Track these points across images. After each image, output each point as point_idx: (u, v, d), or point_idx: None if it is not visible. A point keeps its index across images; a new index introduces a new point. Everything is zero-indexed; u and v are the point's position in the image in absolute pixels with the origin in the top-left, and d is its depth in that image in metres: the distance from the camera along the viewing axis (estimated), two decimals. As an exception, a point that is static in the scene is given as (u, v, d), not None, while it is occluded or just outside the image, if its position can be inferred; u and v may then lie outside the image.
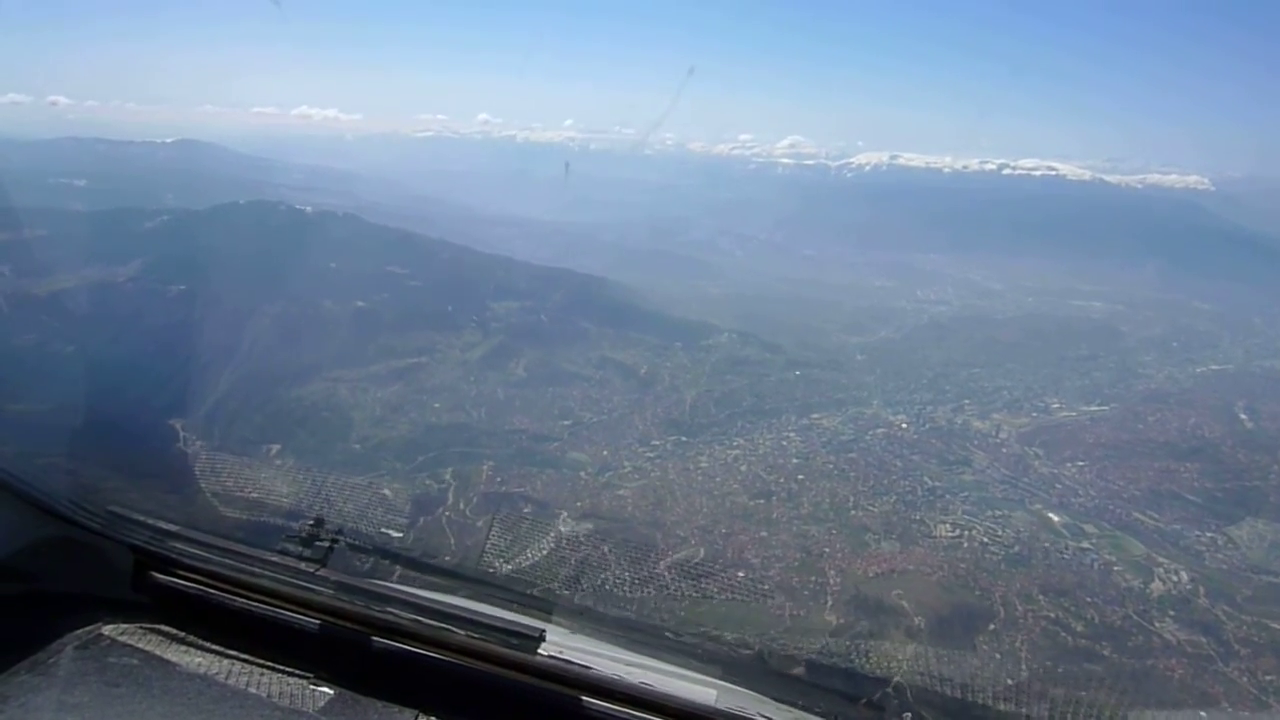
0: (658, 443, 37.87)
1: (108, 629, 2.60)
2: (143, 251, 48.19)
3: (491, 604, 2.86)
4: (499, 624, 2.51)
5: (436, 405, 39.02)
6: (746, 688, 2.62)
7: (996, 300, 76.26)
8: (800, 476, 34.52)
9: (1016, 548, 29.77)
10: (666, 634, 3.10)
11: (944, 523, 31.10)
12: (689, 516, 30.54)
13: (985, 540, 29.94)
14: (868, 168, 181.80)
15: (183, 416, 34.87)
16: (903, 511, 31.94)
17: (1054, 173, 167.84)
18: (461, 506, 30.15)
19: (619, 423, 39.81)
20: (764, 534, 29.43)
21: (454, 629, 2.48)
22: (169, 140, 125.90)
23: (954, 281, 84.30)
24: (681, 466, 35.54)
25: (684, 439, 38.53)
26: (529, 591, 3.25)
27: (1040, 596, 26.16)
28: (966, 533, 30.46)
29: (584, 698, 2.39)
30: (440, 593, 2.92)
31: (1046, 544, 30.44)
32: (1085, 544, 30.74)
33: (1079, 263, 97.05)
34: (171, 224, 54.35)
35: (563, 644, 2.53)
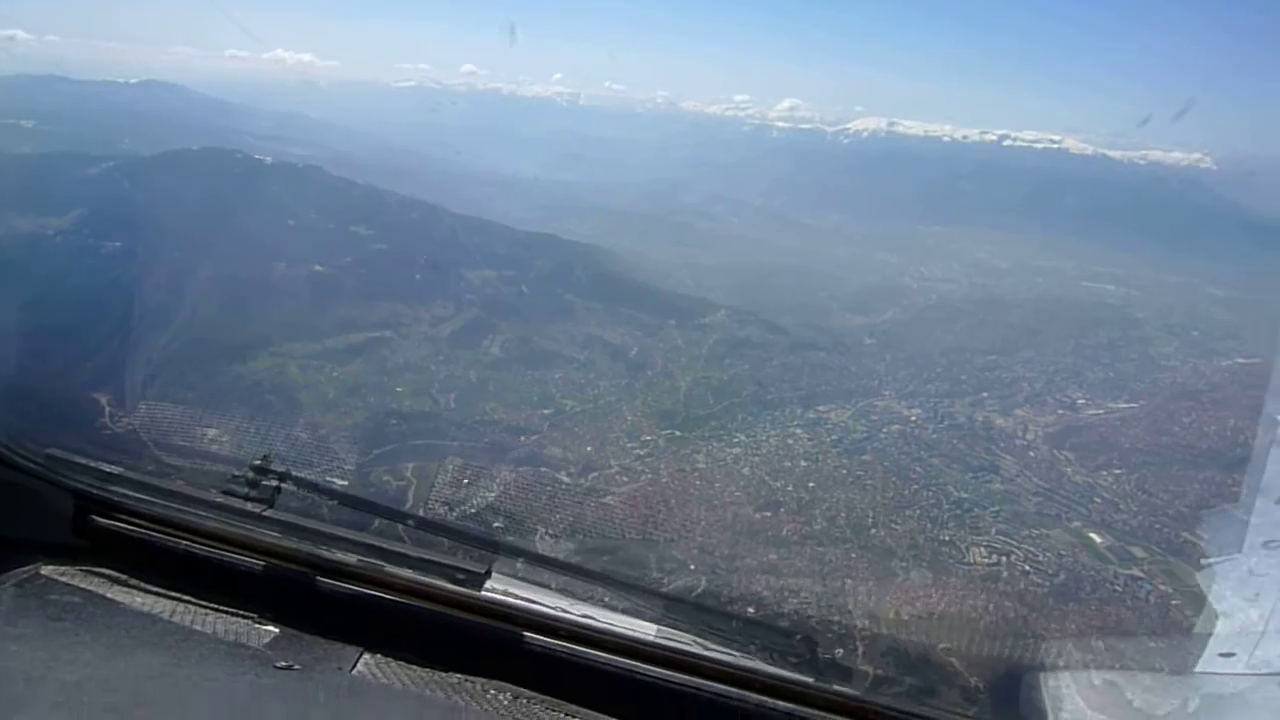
0: (649, 438, 33.62)
1: (47, 570, 2.56)
2: (81, 201, 43.22)
3: (437, 544, 2.83)
4: (443, 563, 2.57)
5: (399, 389, 34.42)
6: (685, 625, 2.64)
7: (1005, 279, 72.09)
8: (810, 484, 30.47)
9: (1061, 576, 25.96)
10: (609, 574, 2.93)
11: (978, 545, 27.18)
12: (686, 533, 26.33)
13: (1027, 568, 26.08)
14: (865, 134, 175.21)
15: (108, 391, 30.40)
16: (929, 530, 28.02)
17: (1056, 146, 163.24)
18: (421, 513, 25.69)
19: (606, 412, 35.50)
20: (773, 557, 25.32)
21: (399, 569, 2.54)
22: (133, 81, 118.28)
23: (959, 257, 79.94)
24: (676, 467, 31.36)
25: (678, 433, 34.28)
26: (475, 532, 3.12)
27: (1099, 642, 22.29)
28: (1004, 558, 26.59)
29: (526, 634, 2.47)
30: (386, 534, 2.87)
31: (1093, 571, 26.62)
32: (1136, 571, 26.96)
33: (1086, 241, 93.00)
34: (116, 171, 49.13)
35: (506, 582, 2.61)
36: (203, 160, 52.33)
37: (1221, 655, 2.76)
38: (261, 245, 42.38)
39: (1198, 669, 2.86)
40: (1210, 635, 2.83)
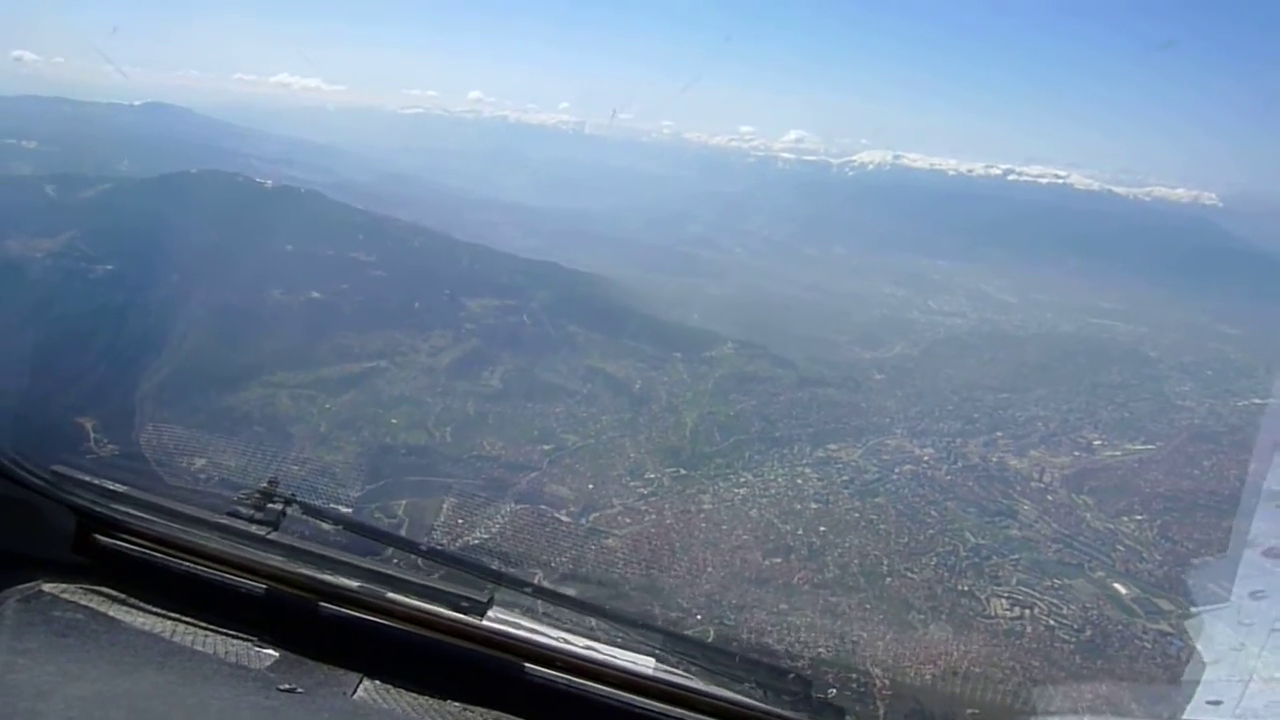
0: (653, 475, 32.40)
1: (48, 587, 2.50)
2: (74, 223, 42.13)
3: (440, 573, 2.84)
4: (446, 591, 2.56)
5: (393, 421, 33.25)
6: (684, 660, 2.64)
7: (1013, 314, 71.38)
8: (821, 527, 29.20)
9: (1088, 631, 24.66)
10: (609, 607, 2.90)
11: (999, 596, 25.89)
12: (691, 579, 25.03)
13: (1051, 623, 24.77)
14: (870, 166, 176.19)
15: (93, 417, 29.21)
16: (947, 579, 26.70)
17: (1061, 181, 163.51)
18: (412, 558, 24.38)
19: (608, 448, 34.30)
20: (784, 606, 23.97)
21: (401, 596, 2.51)
22: (137, 103, 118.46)
23: (966, 291, 79.31)
24: (681, 508, 30.13)
25: (683, 471, 33.09)
26: (477, 562, 3.07)
27: (1134, 705, 20.86)
28: (1027, 611, 25.30)
29: (526, 664, 2.47)
30: (389, 561, 2.90)
31: (1120, 626, 25.32)
32: (1164, 625, 25.51)
33: (1093, 277, 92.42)
34: (112, 193, 48.41)
35: (509, 612, 2.60)
36: (202, 183, 51.59)
37: (1209, 703, 2.81)
38: (258, 270, 41.37)
39: (1185, 716, 2.87)
40: (1198, 683, 2.86)
